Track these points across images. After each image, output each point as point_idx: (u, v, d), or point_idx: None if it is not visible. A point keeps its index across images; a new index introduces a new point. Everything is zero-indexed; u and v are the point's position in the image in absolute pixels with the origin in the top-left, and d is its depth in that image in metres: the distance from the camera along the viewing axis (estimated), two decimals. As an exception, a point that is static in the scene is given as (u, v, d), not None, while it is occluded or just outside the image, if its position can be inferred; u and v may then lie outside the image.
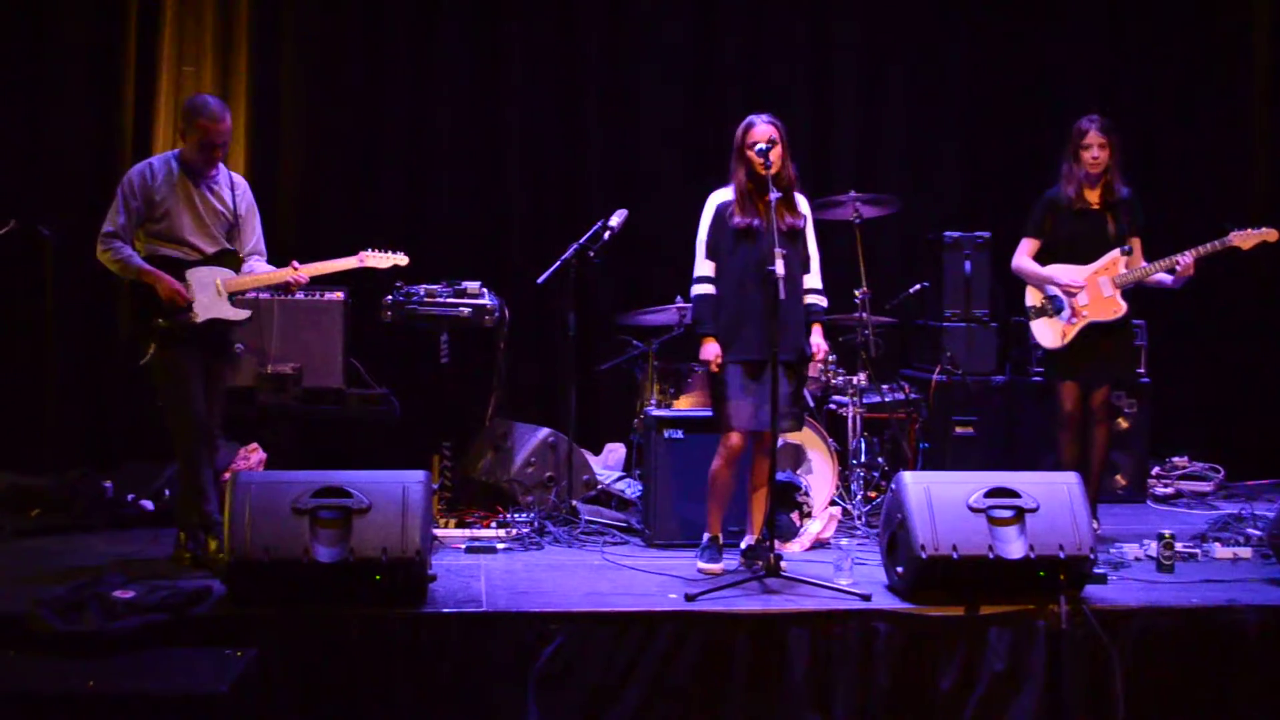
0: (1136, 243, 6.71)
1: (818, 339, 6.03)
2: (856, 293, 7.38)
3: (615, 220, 6.99)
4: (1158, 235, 6.83)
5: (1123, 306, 6.64)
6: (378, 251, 6.29)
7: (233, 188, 6.00)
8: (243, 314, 5.97)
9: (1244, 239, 6.54)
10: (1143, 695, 5.17)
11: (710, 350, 5.89)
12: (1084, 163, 6.66)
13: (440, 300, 7.11)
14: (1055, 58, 9.28)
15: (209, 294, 5.84)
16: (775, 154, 5.80)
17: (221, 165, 6.01)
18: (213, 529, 5.75)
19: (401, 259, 6.35)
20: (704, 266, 5.99)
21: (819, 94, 9.13)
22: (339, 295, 7.56)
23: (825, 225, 7.62)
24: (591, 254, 6.94)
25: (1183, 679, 5.26)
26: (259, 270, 6.02)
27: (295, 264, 6.03)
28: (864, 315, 7.38)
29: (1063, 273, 6.73)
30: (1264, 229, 6.54)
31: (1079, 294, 6.66)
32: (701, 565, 5.89)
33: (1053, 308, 6.77)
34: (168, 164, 5.89)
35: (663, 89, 8.90)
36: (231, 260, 5.94)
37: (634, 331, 7.64)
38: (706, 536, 5.99)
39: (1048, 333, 6.80)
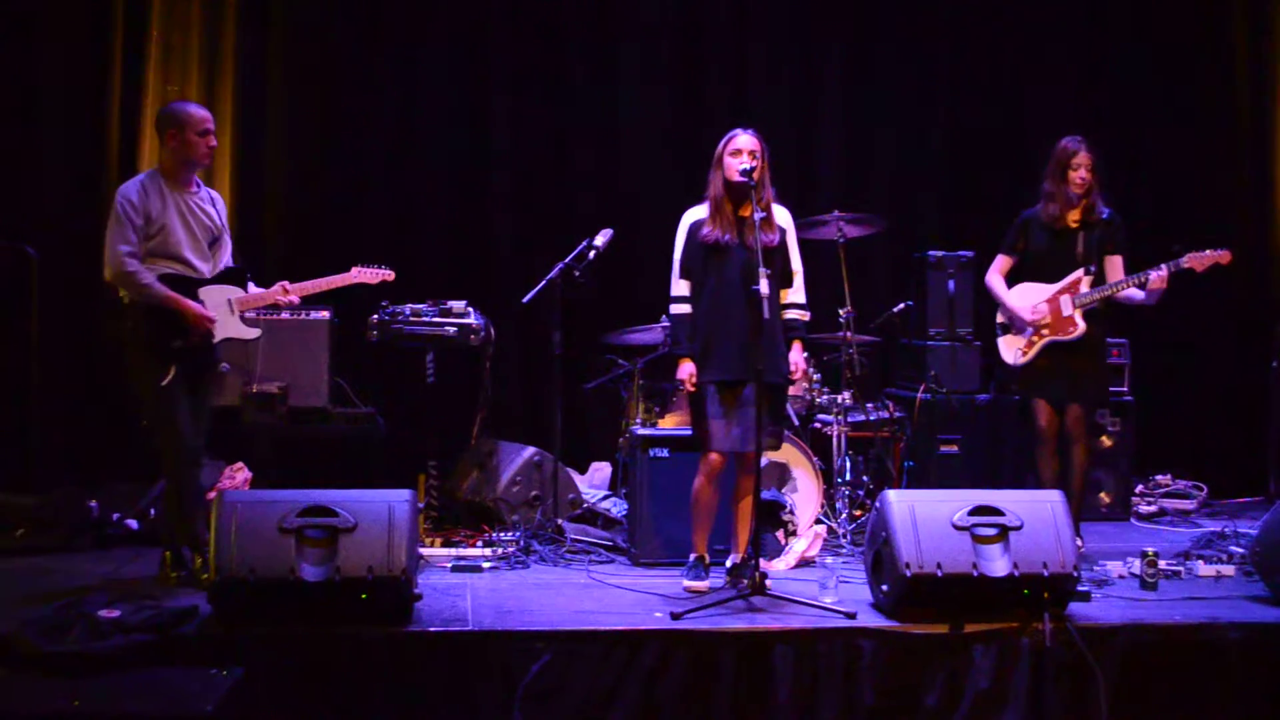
0: (1117, 261, 6.73)
1: (796, 356, 6.02)
2: (841, 312, 7.40)
3: (601, 240, 7.01)
4: (1139, 249, 6.87)
5: (1080, 326, 6.66)
6: (368, 267, 6.46)
7: (214, 203, 6.04)
8: (254, 332, 6.09)
9: (1198, 261, 6.52)
10: (1126, 712, 5.19)
11: (685, 370, 5.90)
12: (1071, 183, 6.69)
13: (426, 320, 7.13)
14: (1038, 76, 9.35)
15: (222, 313, 5.91)
16: (758, 169, 5.81)
17: (199, 180, 6.04)
18: (200, 549, 5.75)
19: (389, 274, 6.52)
20: (679, 286, 6.00)
21: (803, 113, 9.18)
22: (325, 314, 7.56)
23: (809, 244, 7.63)
24: (577, 273, 6.95)
25: (1166, 696, 5.28)
26: (252, 289, 6.08)
27: (285, 285, 6.10)
28: (848, 334, 7.40)
29: (1023, 295, 6.79)
30: (1218, 251, 6.52)
31: (1031, 321, 6.71)
32: (687, 584, 5.89)
33: (1016, 326, 6.83)
34: (155, 180, 5.89)
35: (648, 109, 8.93)
36: (238, 278, 6.01)
37: (619, 350, 7.66)
38: (693, 556, 5.99)
39: (1009, 348, 6.87)
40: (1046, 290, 6.75)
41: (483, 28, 8.75)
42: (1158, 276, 6.49)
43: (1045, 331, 6.72)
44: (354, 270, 6.42)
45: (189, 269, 5.87)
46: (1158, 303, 6.62)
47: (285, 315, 7.43)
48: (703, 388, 5.88)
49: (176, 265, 5.84)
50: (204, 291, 5.88)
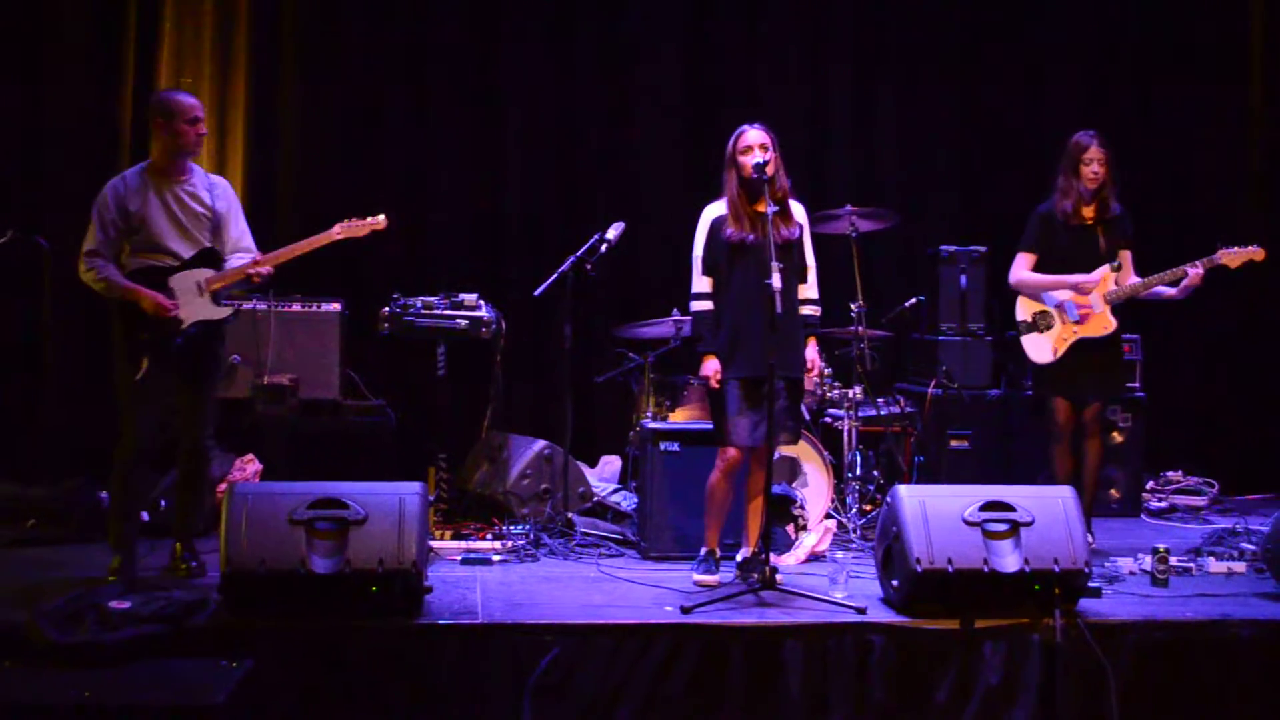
0: (1126, 256, 6.74)
1: (811, 352, 6.02)
2: (852, 306, 7.38)
3: (612, 233, 7.01)
4: (1152, 246, 6.85)
5: (1113, 323, 6.66)
6: (354, 220, 6.17)
7: (210, 189, 5.97)
8: (224, 311, 5.94)
9: (1232, 257, 6.54)
10: (1137, 709, 5.18)
11: (710, 367, 5.89)
12: (1084, 178, 6.67)
13: (437, 312, 7.11)
14: (1051, 70, 9.33)
15: (192, 296, 5.82)
16: (771, 163, 5.80)
17: (197, 168, 6.00)
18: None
19: (380, 222, 6.19)
20: (701, 283, 5.99)
21: (815, 108, 9.17)
22: (336, 306, 7.56)
23: (821, 239, 7.62)
24: (588, 266, 6.96)
25: (1177, 693, 5.27)
26: (233, 264, 5.97)
27: (257, 256, 5.99)
28: (860, 329, 7.38)
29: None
30: (1251, 248, 6.55)
31: (1088, 295, 6.67)
32: (698, 578, 5.89)
33: (1044, 323, 6.80)
34: (141, 174, 5.88)
35: (661, 103, 8.93)
36: (212, 259, 5.90)
37: (630, 344, 7.65)
38: (704, 550, 5.99)
39: (1038, 347, 6.83)
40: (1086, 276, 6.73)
41: (493, 20, 8.74)
42: (1195, 274, 6.51)
43: (1077, 329, 6.70)
44: (336, 227, 6.13)
45: (174, 259, 5.83)
46: (1187, 296, 6.63)
47: (297, 307, 7.44)
48: (725, 384, 5.88)
49: (161, 257, 5.81)
50: (175, 278, 5.81)
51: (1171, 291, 6.64)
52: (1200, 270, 6.51)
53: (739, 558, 6.03)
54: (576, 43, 8.87)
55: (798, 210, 6.03)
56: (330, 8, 8.57)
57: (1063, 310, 6.74)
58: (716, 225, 5.94)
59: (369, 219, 6.17)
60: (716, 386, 5.89)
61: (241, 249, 6.03)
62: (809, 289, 6.03)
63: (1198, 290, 6.60)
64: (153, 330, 5.75)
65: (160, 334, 5.76)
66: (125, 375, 5.78)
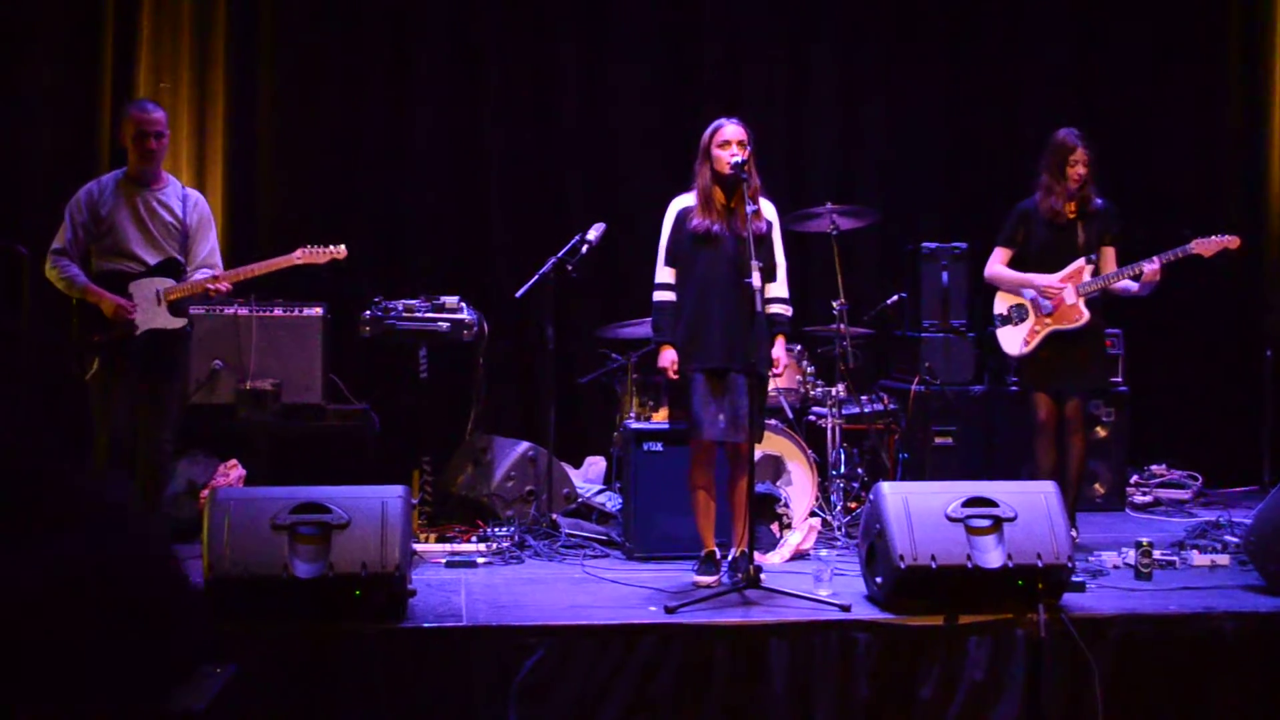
0: (1110, 252, 6.74)
1: (779, 351, 5.98)
2: (834, 304, 7.38)
3: (593, 234, 7.00)
4: (1131, 241, 6.86)
5: (1085, 315, 6.66)
6: (315, 247, 6.28)
7: (184, 200, 6.05)
8: (179, 322, 5.99)
9: (1206, 246, 6.54)
10: (1121, 703, 5.19)
11: (667, 357, 5.89)
12: (1069, 178, 6.67)
13: (418, 315, 7.11)
14: (1032, 65, 9.34)
15: (149, 304, 5.92)
16: (749, 162, 5.78)
17: (174, 180, 6.12)
18: None
19: (340, 251, 6.32)
20: (664, 273, 5.99)
21: (796, 106, 9.16)
22: (318, 311, 7.53)
23: (802, 237, 7.64)
24: (570, 267, 6.95)
25: (1161, 686, 5.28)
26: (199, 277, 6.04)
27: (217, 272, 6.07)
28: (842, 326, 7.37)
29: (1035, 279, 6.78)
30: (1225, 236, 6.55)
31: (1055, 297, 6.68)
32: (698, 579, 5.86)
33: (1017, 316, 6.82)
34: (116, 180, 6.03)
35: (641, 103, 8.92)
36: (174, 269, 5.99)
37: (613, 344, 7.64)
38: (703, 551, 5.97)
39: (1010, 340, 6.85)
40: (1049, 279, 6.74)
41: (473, 21, 8.72)
42: (1151, 269, 6.51)
43: (1049, 320, 6.71)
44: (298, 251, 6.24)
45: (139, 265, 5.94)
46: (1150, 294, 6.64)
47: (278, 312, 7.42)
48: (686, 376, 5.87)
49: (126, 262, 5.94)
50: (135, 285, 5.92)
51: (1135, 287, 6.64)
52: (1156, 266, 6.51)
53: (729, 557, 6.01)
54: (557, 44, 8.86)
55: (768, 208, 6.01)
56: (309, 11, 8.54)
57: (1036, 303, 6.76)
58: (683, 216, 5.93)
59: (330, 248, 6.30)
60: (675, 377, 5.88)
61: (208, 265, 6.09)
62: (778, 288, 5.99)
63: (1158, 287, 6.61)
64: (106, 332, 5.86)
65: (113, 337, 5.87)
66: (82, 374, 5.94)
